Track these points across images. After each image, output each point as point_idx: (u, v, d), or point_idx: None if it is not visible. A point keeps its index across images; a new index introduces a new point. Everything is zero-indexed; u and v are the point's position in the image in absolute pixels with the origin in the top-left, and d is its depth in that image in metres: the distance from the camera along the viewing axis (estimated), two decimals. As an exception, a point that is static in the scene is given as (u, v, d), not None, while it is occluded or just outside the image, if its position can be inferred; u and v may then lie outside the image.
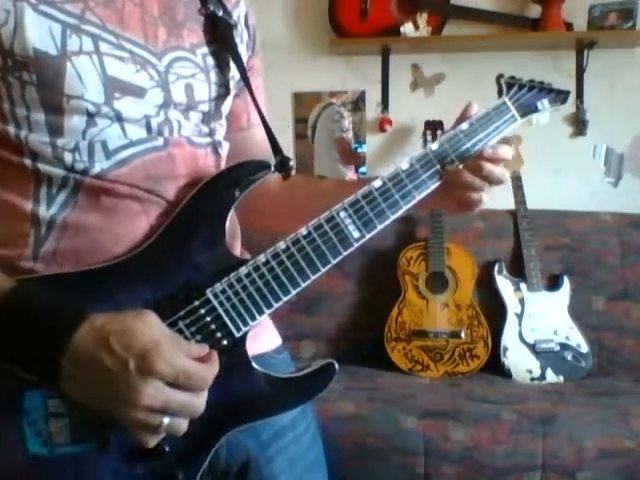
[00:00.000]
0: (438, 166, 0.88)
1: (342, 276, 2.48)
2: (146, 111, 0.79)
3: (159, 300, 0.76)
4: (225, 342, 0.78)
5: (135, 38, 0.79)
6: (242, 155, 0.94)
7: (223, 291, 0.78)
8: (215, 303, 0.77)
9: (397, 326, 2.38)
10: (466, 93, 2.60)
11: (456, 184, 0.89)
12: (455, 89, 2.74)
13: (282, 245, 0.80)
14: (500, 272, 2.44)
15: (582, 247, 2.51)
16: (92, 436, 0.73)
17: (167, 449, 0.73)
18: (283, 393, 0.82)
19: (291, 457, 0.91)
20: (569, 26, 2.63)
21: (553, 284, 2.45)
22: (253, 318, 0.79)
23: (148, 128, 0.79)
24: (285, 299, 0.80)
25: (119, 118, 0.77)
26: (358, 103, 2.83)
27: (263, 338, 0.91)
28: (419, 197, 0.87)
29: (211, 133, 0.88)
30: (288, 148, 2.81)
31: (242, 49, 0.94)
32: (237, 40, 0.92)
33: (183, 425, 0.72)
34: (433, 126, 2.49)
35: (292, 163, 0.87)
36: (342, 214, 0.83)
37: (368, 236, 0.84)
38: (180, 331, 0.75)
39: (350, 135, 2.86)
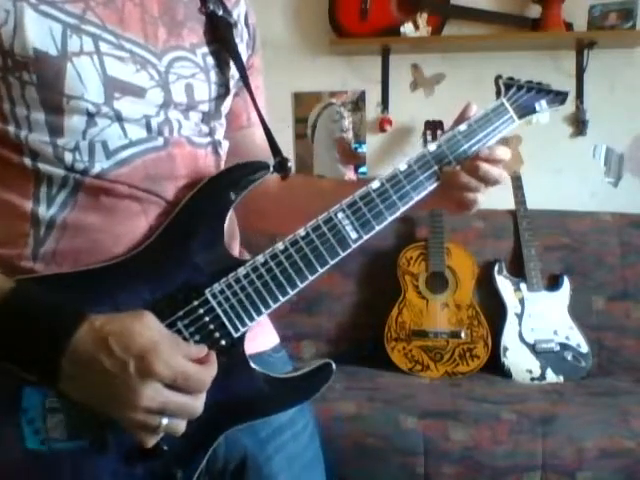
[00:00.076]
0: (436, 167, 0.88)
1: (342, 276, 2.48)
2: (146, 111, 0.79)
3: (158, 300, 0.76)
4: (223, 342, 0.78)
5: (135, 38, 0.79)
6: (242, 154, 0.95)
7: (222, 291, 0.78)
8: (214, 303, 0.77)
9: (397, 326, 2.38)
10: (466, 93, 2.60)
11: (453, 185, 0.89)
12: (455, 89, 2.74)
13: (280, 246, 0.80)
14: (500, 272, 2.44)
15: (582, 247, 2.51)
16: (89, 433, 0.73)
17: (165, 448, 0.73)
18: (281, 393, 0.82)
19: (289, 455, 0.91)
20: (569, 26, 2.63)
21: (553, 284, 2.45)
22: (251, 319, 0.79)
23: (148, 128, 0.79)
24: (283, 300, 0.80)
25: (119, 118, 0.77)
26: (358, 103, 2.83)
27: (261, 337, 0.92)
28: (417, 198, 0.87)
29: (211, 133, 0.88)
30: (288, 148, 2.82)
31: (242, 48, 0.94)
32: (237, 39, 0.92)
33: (182, 426, 0.72)
34: (433, 126, 2.49)
35: (291, 164, 0.87)
36: (340, 215, 0.83)
37: (366, 237, 0.84)
38: (179, 331, 0.76)
39: (350, 135, 2.86)
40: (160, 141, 0.80)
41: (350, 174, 2.86)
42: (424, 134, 2.51)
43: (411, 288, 2.41)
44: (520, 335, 2.36)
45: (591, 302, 2.47)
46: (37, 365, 0.69)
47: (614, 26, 2.59)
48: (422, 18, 2.63)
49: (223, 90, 0.89)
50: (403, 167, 0.87)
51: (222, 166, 0.90)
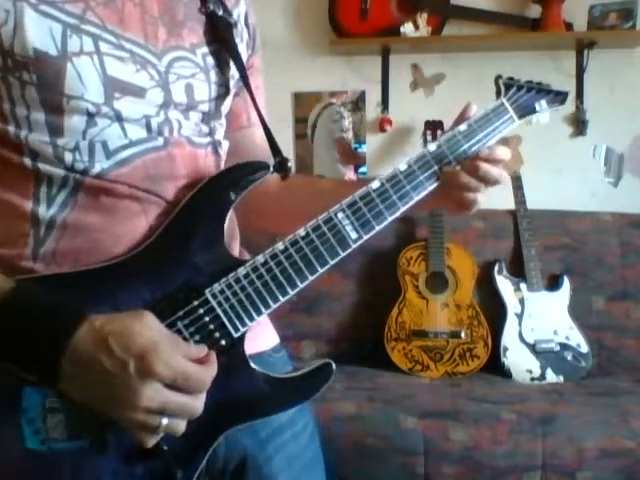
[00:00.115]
0: (436, 167, 0.88)
1: (342, 276, 2.48)
2: (146, 111, 0.79)
3: (158, 300, 0.76)
4: (223, 342, 0.78)
5: (135, 38, 0.79)
6: (241, 154, 0.95)
7: (222, 291, 0.78)
8: (214, 303, 0.77)
9: (397, 326, 2.38)
10: (466, 93, 2.60)
11: (453, 185, 0.89)
12: (455, 89, 2.74)
13: (280, 246, 0.80)
14: (500, 272, 2.44)
15: (582, 247, 2.51)
16: (89, 433, 0.73)
17: (165, 448, 0.73)
18: (281, 393, 0.82)
19: (290, 455, 0.91)
20: (569, 26, 2.63)
21: (553, 284, 2.45)
22: (251, 319, 0.79)
23: (148, 128, 0.79)
24: (283, 300, 0.80)
25: (119, 118, 0.77)
26: (358, 103, 2.83)
27: (261, 337, 0.92)
28: (417, 198, 0.87)
29: (211, 133, 0.88)
30: (288, 148, 2.82)
31: (242, 48, 0.94)
32: (237, 39, 0.92)
33: (182, 426, 0.72)
34: (433, 126, 2.49)
35: (291, 164, 0.87)
36: (340, 215, 0.83)
37: (366, 237, 0.84)
38: (179, 331, 0.76)
39: (350, 135, 2.86)
40: (160, 141, 0.80)
41: (350, 174, 2.86)
42: (424, 134, 2.51)
43: (411, 288, 2.41)
44: (520, 335, 2.36)
45: (591, 302, 2.47)
46: (37, 365, 0.69)
47: (614, 26, 2.59)
48: (422, 18, 2.63)
49: (223, 90, 0.89)
50: (403, 167, 0.87)
51: (222, 166, 0.90)
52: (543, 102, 0.99)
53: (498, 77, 0.98)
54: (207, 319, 0.77)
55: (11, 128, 0.74)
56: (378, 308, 2.44)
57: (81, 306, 0.71)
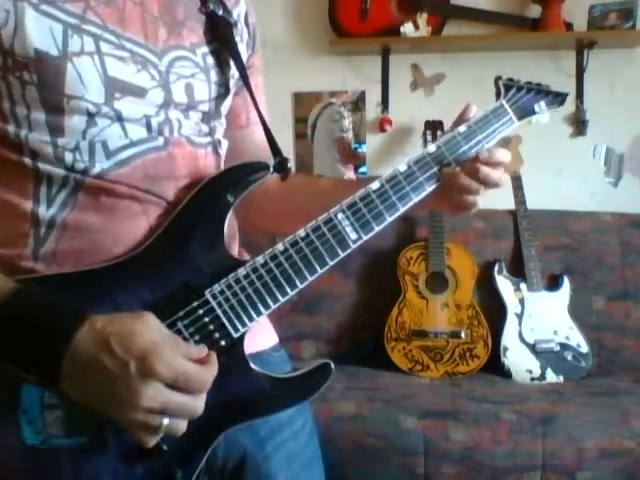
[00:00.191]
0: (435, 168, 0.88)
1: (342, 276, 2.48)
2: (146, 111, 0.79)
3: (158, 300, 0.76)
4: (223, 343, 0.78)
5: (135, 37, 0.79)
6: (240, 154, 0.95)
7: (222, 292, 0.78)
8: (214, 304, 0.77)
9: (397, 326, 2.38)
10: (466, 93, 2.60)
11: (453, 186, 0.89)
12: (455, 89, 2.74)
13: (280, 247, 0.81)
14: (500, 272, 2.44)
15: (582, 247, 2.51)
16: (87, 430, 0.73)
17: (165, 448, 0.73)
18: (280, 393, 0.82)
19: (289, 454, 0.91)
20: (569, 26, 2.63)
21: (553, 284, 2.45)
22: (251, 319, 0.79)
23: (148, 128, 0.79)
24: (283, 300, 0.80)
25: (119, 118, 0.77)
26: (358, 103, 2.83)
27: (260, 336, 0.92)
28: (416, 199, 0.87)
29: (211, 132, 0.88)
30: (288, 148, 2.82)
31: (242, 48, 0.94)
32: (237, 39, 0.92)
33: (182, 425, 0.72)
34: (433, 126, 2.49)
35: (290, 164, 0.87)
36: (340, 216, 0.83)
37: (365, 238, 0.84)
38: (179, 332, 0.76)
39: (350, 135, 2.86)
40: (160, 141, 0.80)
41: (350, 174, 2.86)
42: (424, 134, 2.50)
43: (411, 288, 2.41)
44: (520, 335, 2.36)
45: (591, 302, 2.47)
46: (38, 366, 0.69)
47: (614, 26, 2.58)
48: (422, 18, 2.63)
49: (223, 90, 0.89)
50: (403, 168, 0.87)
51: (222, 166, 0.90)
52: (542, 103, 1.00)
53: (498, 78, 0.98)
54: (207, 319, 0.77)
55: (11, 127, 0.74)
56: (378, 308, 2.44)
57: (81, 306, 0.71)
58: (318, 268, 0.81)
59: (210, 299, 0.77)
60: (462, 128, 0.91)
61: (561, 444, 1.84)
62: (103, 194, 0.77)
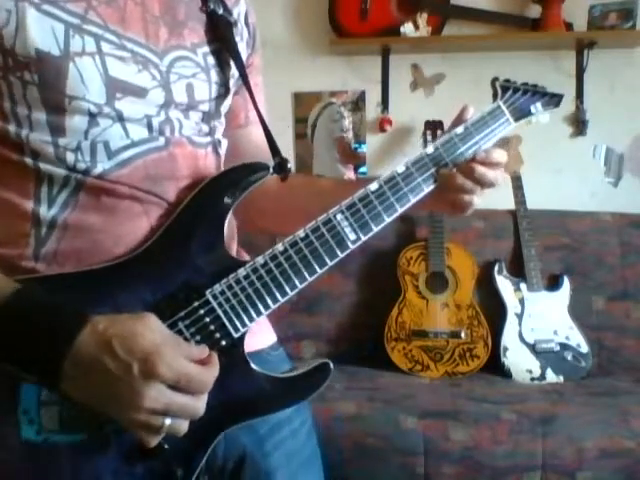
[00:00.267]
0: (433, 169, 0.89)
1: (342, 276, 2.48)
2: (147, 111, 0.79)
3: (159, 301, 0.76)
4: (224, 343, 0.78)
5: (136, 38, 0.79)
6: (240, 153, 0.95)
7: (222, 292, 0.78)
8: (214, 304, 0.78)
9: (397, 326, 2.39)
10: (466, 93, 2.61)
11: (449, 187, 0.90)
12: (455, 89, 2.74)
13: (280, 247, 0.81)
14: (500, 272, 2.44)
15: (582, 247, 2.51)
16: (86, 426, 0.73)
17: (166, 447, 0.73)
18: (280, 392, 0.83)
19: (288, 452, 0.91)
20: (569, 26, 2.63)
21: (553, 284, 2.45)
22: (251, 319, 0.79)
23: (149, 127, 0.80)
24: (283, 300, 0.81)
25: (120, 118, 0.77)
26: (358, 103, 2.83)
27: (260, 335, 0.92)
28: (414, 200, 0.88)
29: (211, 132, 0.88)
30: (288, 148, 2.82)
31: (242, 47, 0.94)
32: (237, 38, 0.92)
33: (184, 426, 0.72)
34: (433, 126, 2.49)
35: (290, 165, 0.88)
36: (339, 216, 0.83)
37: (364, 238, 0.85)
38: (180, 332, 0.76)
39: (350, 135, 2.86)
40: (161, 141, 0.80)
41: (350, 174, 2.86)
42: (424, 134, 2.50)
43: (411, 288, 2.41)
44: (520, 335, 2.36)
45: (591, 302, 2.47)
46: (38, 366, 0.69)
47: (614, 26, 2.58)
48: (422, 18, 2.63)
49: (223, 90, 0.89)
50: (401, 169, 0.88)
51: (222, 166, 0.91)
52: (539, 104, 1.01)
53: (495, 79, 0.99)
54: (208, 320, 0.77)
55: (12, 127, 0.74)
56: (378, 308, 2.44)
57: (82, 306, 0.71)
58: (317, 268, 0.82)
59: (211, 299, 0.77)
60: (459, 129, 0.91)
61: (561, 444, 1.84)
62: (104, 194, 0.77)
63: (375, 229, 0.85)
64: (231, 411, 0.80)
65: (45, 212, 0.75)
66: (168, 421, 0.70)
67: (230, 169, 0.83)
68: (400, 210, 0.87)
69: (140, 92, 0.78)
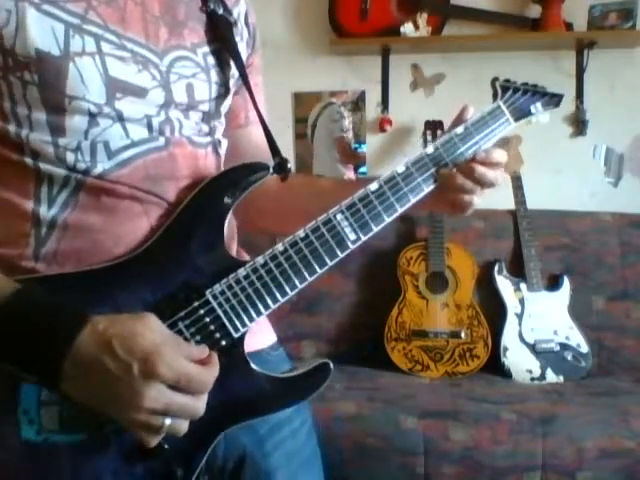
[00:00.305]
0: (433, 169, 0.89)
1: (342, 276, 2.48)
2: (147, 111, 0.79)
3: (159, 301, 0.76)
4: (224, 343, 0.78)
5: (137, 37, 0.79)
6: (239, 153, 0.95)
7: (222, 292, 0.78)
8: (214, 304, 0.78)
9: (397, 326, 2.38)
10: (466, 93, 2.61)
11: (449, 187, 0.90)
12: (455, 89, 2.74)
13: (280, 247, 0.81)
14: (500, 272, 2.44)
15: (582, 247, 2.51)
16: (86, 426, 0.73)
17: (166, 447, 0.73)
18: (280, 392, 0.83)
19: (288, 452, 0.91)
20: (569, 26, 2.63)
21: (553, 284, 2.45)
22: (251, 319, 0.79)
23: (149, 128, 0.80)
24: (283, 300, 0.81)
25: (120, 118, 0.77)
26: (358, 103, 2.83)
27: (259, 335, 0.92)
28: (414, 200, 0.88)
29: (211, 132, 0.88)
30: (288, 148, 2.82)
31: (242, 47, 0.94)
32: (237, 38, 0.93)
33: (184, 426, 0.72)
34: (433, 126, 2.49)
35: (290, 165, 0.88)
36: (339, 216, 0.83)
37: (364, 238, 0.85)
38: (180, 332, 0.76)
39: (350, 135, 2.86)
40: (161, 141, 0.80)
41: (350, 174, 2.86)
42: (424, 134, 2.50)
43: (411, 288, 2.41)
44: (520, 335, 2.36)
45: (591, 302, 2.47)
46: (38, 366, 0.69)
47: (614, 26, 2.58)
48: (422, 18, 2.63)
49: (223, 90, 0.89)
50: (401, 169, 0.88)
51: (222, 166, 0.91)
52: (538, 104, 1.01)
53: (495, 79, 0.99)
54: (208, 320, 0.77)
55: (12, 127, 0.74)
56: (378, 308, 2.44)
57: (82, 307, 0.71)
58: (318, 268, 0.82)
59: (211, 299, 0.77)
60: (459, 129, 0.91)
61: (561, 444, 1.84)
62: (104, 194, 0.77)
63: (375, 229, 0.85)
64: (231, 411, 0.80)
65: (45, 212, 0.75)
66: (168, 421, 0.70)
67: (230, 169, 0.83)
68: (400, 210, 0.87)
69: (140, 92, 0.78)
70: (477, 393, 2.13)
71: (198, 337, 0.77)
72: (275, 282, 0.80)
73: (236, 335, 0.78)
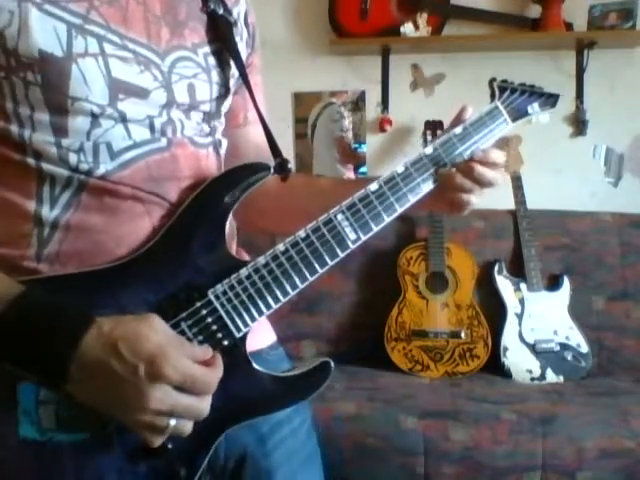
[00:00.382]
0: (432, 170, 0.90)
1: (342, 276, 2.48)
2: (149, 111, 0.80)
3: (161, 301, 0.76)
4: (226, 342, 0.78)
5: (138, 38, 0.79)
6: (239, 153, 0.96)
7: (224, 292, 0.78)
8: (217, 304, 0.78)
9: (397, 326, 2.39)
10: (466, 93, 2.60)
11: (448, 186, 0.90)
12: (455, 89, 2.74)
13: (281, 247, 0.81)
14: (500, 272, 2.44)
15: (582, 247, 2.51)
16: (88, 425, 0.73)
17: (170, 447, 0.74)
18: (281, 391, 0.83)
19: (288, 451, 0.92)
20: (569, 26, 2.63)
21: (553, 284, 2.45)
22: (253, 319, 0.80)
23: (152, 128, 0.80)
24: (284, 300, 0.81)
25: (123, 119, 0.77)
26: (358, 103, 2.83)
27: (259, 335, 0.92)
28: (413, 200, 0.88)
29: (212, 132, 0.89)
30: (288, 148, 2.82)
31: (242, 47, 0.94)
32: (237, 38, 0.93)
33: (188, 426, 0.73)
34: (433, 126, 2.48)
35: (291, 165, 0.88)
36: (339, 217, 0.84)
37: (364, 238, 0.85)
38: (182, 332, 0.76)
39: (350, 135, 2.86)
40: (163, 142, 0.80)
41: (350, 174, 2.87)
42: (424, 134, 2.50)
43: (411, 288, 2.41)
44: (520, 335, 2.36)
45: (591, 302, 2.47)
46: (41, 367, 0.69)
47: (614, 26, 2.59)
48: (422, 18, 2.63)
49: (224, 90, 0.90)
50: (400, 169, 0.88)
51: (223, 166, 0.91)
52: (535, 105, 1.01)
53: (492, 80, 0.99)
54: (210, 320, 0.77)
55: (14, 127, 0.74)
56: (378, 308, 2.44)
57: (85, 307, 0.71)
58: (318, 268, 0.82)
59: (213, 299, 0.78)
60: (458, 130, 0.92)
61: (561, 444, 1.84)
62: (106, 195, 0.77)
63: (375, 229, 0.86)
64: (233, 411, 0.81)
65: (47, 213, 0.75)
66: (173, 422, 0.70)
67: (231, 169, 0.84)
68: (400, 210, 0.87)
69: (142, 93, 0.78)
70: (477, 393, 2.13)
71: (200, 337, 0.77)
72: (277, 282, 0.80)
73: (238, 335, 0.79)
